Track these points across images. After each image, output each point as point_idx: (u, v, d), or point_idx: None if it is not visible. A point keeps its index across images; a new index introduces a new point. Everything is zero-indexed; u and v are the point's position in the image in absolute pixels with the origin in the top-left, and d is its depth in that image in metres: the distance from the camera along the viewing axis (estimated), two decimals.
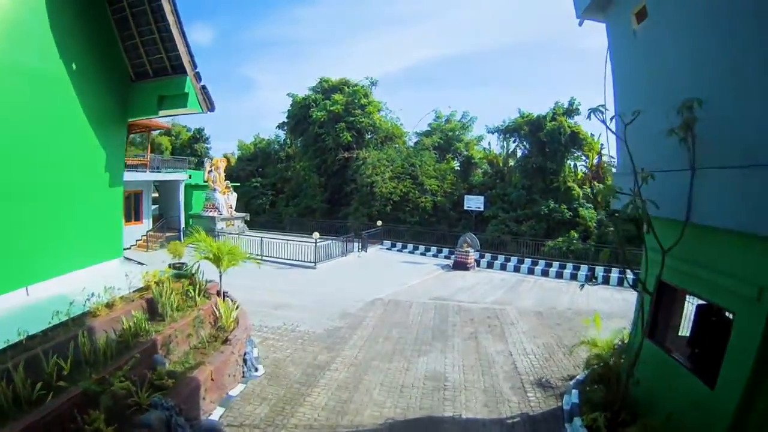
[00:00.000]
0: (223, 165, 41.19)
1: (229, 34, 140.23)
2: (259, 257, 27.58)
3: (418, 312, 19.47)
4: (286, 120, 59.55)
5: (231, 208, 39.90)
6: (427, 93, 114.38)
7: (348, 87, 54.11)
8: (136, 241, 33.58)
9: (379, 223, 38.38)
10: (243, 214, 41.19)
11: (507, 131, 45.00)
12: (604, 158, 43.26)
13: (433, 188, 45.33)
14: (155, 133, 78.21)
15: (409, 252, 36.62)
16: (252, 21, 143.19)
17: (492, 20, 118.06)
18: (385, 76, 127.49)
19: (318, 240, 29.41)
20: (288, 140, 63.00)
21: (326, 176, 51.76)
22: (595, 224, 37.51)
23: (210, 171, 39.97)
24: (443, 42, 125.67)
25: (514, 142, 45.83)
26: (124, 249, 30.96)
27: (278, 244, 30.66)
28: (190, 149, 73.34)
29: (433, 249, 35.83)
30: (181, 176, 37.94)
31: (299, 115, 55.65)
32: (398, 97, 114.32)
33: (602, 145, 42.18)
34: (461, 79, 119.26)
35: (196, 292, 13.69)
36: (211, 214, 38.02)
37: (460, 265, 28.50)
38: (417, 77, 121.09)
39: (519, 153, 45.18)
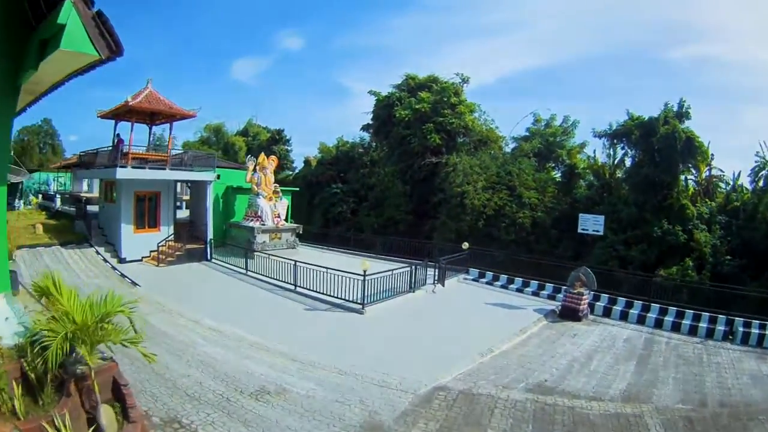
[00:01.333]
0: (272, 165, 34.75)
1: (319, 42, 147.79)
2: (291, 287, 23.02)
3: (503, 427, 10.75)
4: (370, 121, 56.33)
5: (278, 217, 33.68)
6: (520, 104, 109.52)
7: (437, 84, 50.15)
8: (150, 252, 29.66)
9: (466, 245, 28.62)
10: (294, 226, 34.78)
11: (615, 136, 39.80)
12: (714, 171, 38.56)
13: (533, 201, 40.48)
14: (230, 132, 78.81)
15: (501, 286, 26.47)
16: (342, 29, 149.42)
17: (579, 30, 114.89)
18: (477, 87, 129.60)
19: (367, 273, 19.94)
20: (372, 143, 60.00)
21: (411, 184, 48.08)
22: (710, 250, 32.06)
23: (254, 171, 33.86)
24: (534, 52, 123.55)
25: (622, 149, 40.70)
26: (135, 261, 28.75)
27: (318, 274, 21.72)
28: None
29: (533, 284, 25.87)
30: (206, 176, 31.86)
31: (383, 116, 52.51)
32: (490, 108, 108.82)
33: (712, 155, 37.14)
34: (551, 90, 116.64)
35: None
36: (251, 224, 32.28)
37: (570, 313, 20.71)
38: (509, 88, 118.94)
39: (627, 162, 40.64)
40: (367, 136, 60.28)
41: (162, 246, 29.79)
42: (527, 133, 48.92)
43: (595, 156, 43.83)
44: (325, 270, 21.43)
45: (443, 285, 25.40)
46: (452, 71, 57.26)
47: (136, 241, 29.09)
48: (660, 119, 35.40)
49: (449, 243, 37.58)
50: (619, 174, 40.66)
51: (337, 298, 20.78)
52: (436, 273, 25.44)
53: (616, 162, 41.13)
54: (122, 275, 24.78)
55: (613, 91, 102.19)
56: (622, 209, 35.83)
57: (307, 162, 67.47)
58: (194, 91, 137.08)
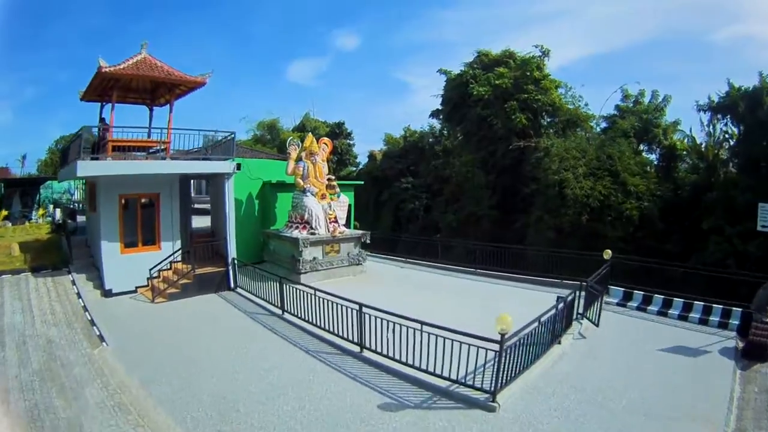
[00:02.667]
0: (324, 151, 26.05)
1: (375, 39, 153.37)
2: (355, 347, 13.98)
3: None
4: (440, 106, 51.43)
5: (335, 222, 24.80)
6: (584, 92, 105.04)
7: (513, 60, 44.83)
8: (148, 279, 21.69)
9: (608, 254, 19.63)
10: (359, 233, 25.89)
11: (719, 110, 34.73)
12: None
13: (640, 189, 34.59)
14: (286, 128, 75.52)
15: (658, 312, 18.25)
16: (397, 25, 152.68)
17: (627, 16, 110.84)
18: None
19: (506, 334, 10.42)
20: (444, 130, 55.32)
21: (495, 173, 42.61)
22: None
23: (299, 160, 24.94)
24: (589, 40, 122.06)
25: (724, 125, 35.44)
26: (127, 292, 20.98)
27: (403, 332, 12.28)
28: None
29: (697, 306, 17.78)
30: (221, 167, 22.27)
31: (456, 98, 47.27)
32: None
33: None
34: (612, 77, 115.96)
35: None
36: (295, 233, 23.56)
37: (759, 351, 13.91)
38: (567, 76, 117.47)
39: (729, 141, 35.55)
40: (437, 123, 55.74)
41: (165, 270, 21.95)
42: (616, 112, 43.16)
43: (691, 134, 38.49)
44: (417, 326, 11.71)
45: (597, 323, 16.49)
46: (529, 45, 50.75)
47: (125, 264, 20.99)
48: (765, 87, 31.01)
49: (550, 243, 32.36)
50: (723, 154, 35.62)
51: (440, 377, 11.54)
52: (578, 300, 16.57)
53: (718, 141, 36.09)
54: (92, 321, 16.92)
55: (666, 77, 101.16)
56: (737, 195, 30.04)
57: (371, 156, 63.56)
58: (253, 96, 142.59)
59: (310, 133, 27.32)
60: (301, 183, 24.66)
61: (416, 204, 51.30)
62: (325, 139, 27.25)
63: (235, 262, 22.50)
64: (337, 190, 26.15)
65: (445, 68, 49.54)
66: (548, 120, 43.60)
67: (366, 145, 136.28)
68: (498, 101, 41.41)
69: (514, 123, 39.85)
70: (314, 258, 23.26)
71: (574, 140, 38.85)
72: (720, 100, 34.16)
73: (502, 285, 22.79)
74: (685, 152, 38.39)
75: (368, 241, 25.98)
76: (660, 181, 35.79)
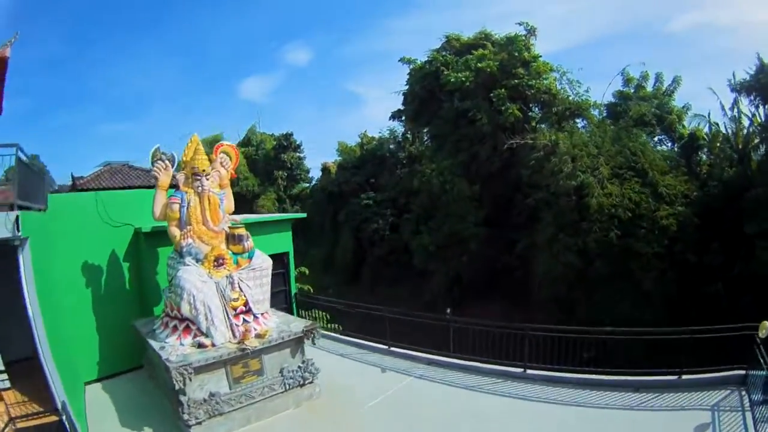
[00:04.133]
0: (225, 167, 14.00)
1: (326, 52, 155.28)
2: None
3: None
4: (402, 106, 43.89)
5: (247, 313, 12.08)
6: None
7: (492, 45, 38.07)
8: None
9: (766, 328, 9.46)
10: (302, 326, 12.34)
11: (748, 90, 29.32)
12: None
13: (672, 192, 28.02)
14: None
15: None
16: (347, 36, 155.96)
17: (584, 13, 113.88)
18: None
19: None
20: (408, 134, 48.61)
21: (480, 181, 35.03)
22: None
23: (175, 189, 13.11)
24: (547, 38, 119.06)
25: (754, 107, 29.94)
26: None
27: None
28: (277, 162, 59.61)
29: None
30: None
31: (423, 92, 40.24)
32: None
33: None
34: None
35: None
36: (167, 348, 11.11)
37: None
38: None
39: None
40: (399, 126, 48.60)
41: None
42: (616, 100, 37.72)
43: (709, 119, 32.70)
44: None
45: None
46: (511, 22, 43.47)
47: None
48: None
49: (572, 272, 24.71)
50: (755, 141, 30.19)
51: None
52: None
53: (749, 128, 30.55)
54: None
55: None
56: None
57: (325, 169, 56.80)
58: (207, 116, 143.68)
59: (194, 135, 13.66)
60: (177, 236, 12.43)
61: (380, 223, 43.63)
62: (226, 145, 14.65)
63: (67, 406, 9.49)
64: (248, 244, 12.64)
65: (408, 56, 41.63)
66: (539, 111, 36.68)
67: (321, 159, 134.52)
68: (480, 89, 34.10)
69: (503, 116, 32.11)
70: (213, 394, 10.83)
71: (584, 134, 31.92)
72: (750, 79, 28.66)
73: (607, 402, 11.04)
74: (715, 142, 31.98)
75: (317, 339, 12.63)
76: (690, 179, 29.49)
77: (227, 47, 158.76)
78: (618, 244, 26.36)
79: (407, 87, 41.99)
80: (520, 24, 36.62)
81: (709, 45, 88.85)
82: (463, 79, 34.02)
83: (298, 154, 61.82)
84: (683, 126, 34.49)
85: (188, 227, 12.34)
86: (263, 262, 12.63)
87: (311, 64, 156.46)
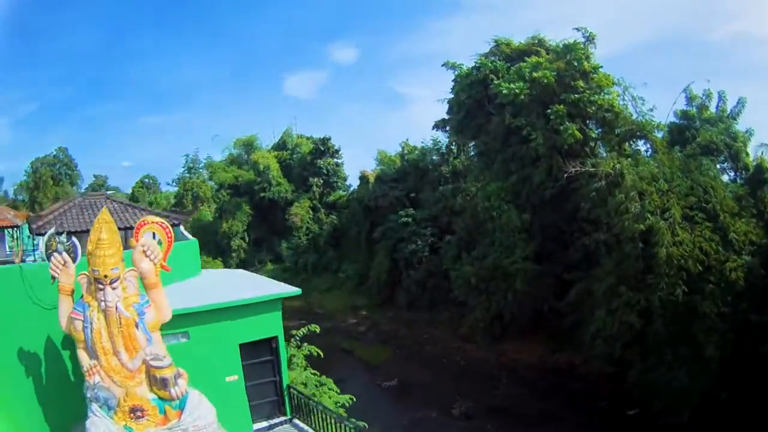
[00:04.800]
0: (153, 259, 8.90)
1: (373, 51, 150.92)
2: None
3: None
4: (447, 114, 40.47)
5: None
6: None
7: (546, 51, 34.75)
8: None
9: None
10: None
11: None
12: None
13: (741, 240, 24.51)
14: (265, 145, 66.22)
15: None
16: (394, 35, 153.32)
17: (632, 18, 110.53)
18: None
19: None
20: (453, 145, 45.22)
21: (531, 209, 31.33)
22: None
23: (77, 305, 9.04)
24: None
25: None
26: None
27: None
28: (313, 168, 56.91)
29: None
30: None
31: (470, 102, 36.46)
32: None
33: None
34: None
35: None
36: None
37: None
38: None
39: None
40: (443, 136, 45.22)
41: None
42: (680, 121, 33.88)
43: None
44: None
45: None
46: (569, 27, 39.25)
47: None
48: None
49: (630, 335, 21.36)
50: None
51: None
52: None
53: None
54: None
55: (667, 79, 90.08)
56: None
57: (363, 177, 54.55)
58: (248, 112, 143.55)
59: (104, 207, 11.08)
60: (84, 366, 8.85)
61: (418, 244, 40.96)
62: (152, 223, 9.71)
63: None
64: (177, 390, 8.58)
65: (452, 61, 38.11)
66: (599, 131, 32.68)
67: (363, 162, 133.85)
68: (536, 104, 30.39)
69: (561, 137, 28.11)
70: None
71: (651, 163, 28.02)
72: None
73: None
74: None
75: None
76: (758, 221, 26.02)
77: (273, 43, 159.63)
78: (683, 302, 22.84)
79: (452, 94, 38.38)
80: (577, 29, 32.61)
81: (751, 55, 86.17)
82: (517, 91, 30.24)
83: (335, 160, 59.97)
84: (746, 154, 30.97)
85: (93, 362, 8.51)
86: (200, 418, 8.49)
87: (357, 62, 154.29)
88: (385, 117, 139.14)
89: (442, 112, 40.77)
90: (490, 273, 31.64)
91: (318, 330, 18.02)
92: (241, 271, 19.97)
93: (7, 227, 28.46)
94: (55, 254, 8.98)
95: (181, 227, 20.20)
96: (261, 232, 59.68)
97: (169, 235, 9.39)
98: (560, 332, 29.22)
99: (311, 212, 56.90)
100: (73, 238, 9.22)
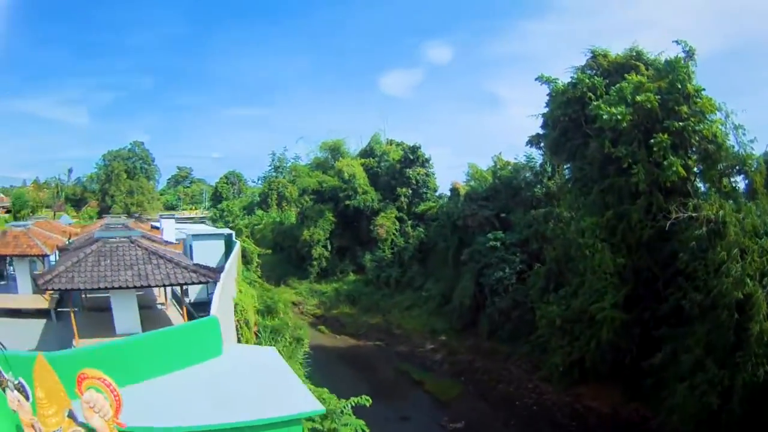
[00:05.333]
0: (104, 413, 7.33)
1: (467, 51, 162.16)
2: None
3: None
4: (541, 129, 37.51)
5: None
6: None
7: (643, 65, 31.49)
8: None
9: None
10: None
11: None
12: None
13: None
14: (353, 150, 66.34)
15: None
16: (489, 36, 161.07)
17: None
18: None
19: None
20: (548, 165, 42.67)
21: (626, 250, 28.27)
22: None
23: None
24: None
25: None
26: None
27: None
28: (401, 177, 55.64)
29: None
30: None
31: (566, 121, 33.59)
32: None
33: None
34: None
35: None
36: None
37: None
38: None
39: None
40: (537, 153, 42.45)
41: None
42: None
43: None
44: None
45: None
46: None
47: None
48: None
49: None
50: None
51: None
52: None
53: None
54: None
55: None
56: None
57: (454, 190, 52.83)
58: (345, 107, 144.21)
59: (38, 354, 8.22)
60: None
61: (506, 272, 38.93)
62: (92, 378, 7.38)
63: None
64: None
65: (546, 75, 35.41)
66: (700, 165, 28.73)
67: (454, 161, 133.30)
68: (637, 131, 27.42)
69: (664, 173, 24.99)
70: None
71: (754, 210, 24.80)
72: None
73: None
74: None
75: None
76: None
77: (367, 39, 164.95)
78: (762, 383, 20.04)
79: (547, 110, 35.60)
80: (677, 43, 28.99)
81: None
82: (619, 117, 27.07)
83: (425, 169, 58.44)
84: None
85: None
86: None
87: (452, 62, 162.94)
88: (477, 118, 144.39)
89: (536, 123, 37.53)
90: (576, 316, 29.11)
91: (369, 403, 16.26)
92: (269, 351, 16.83)
93: (37, 256, 26.33)
94: (8, 391, 7.70)
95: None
96: (344, 241, 59.41)
97: (115, 393, 7.69)
98: (641, 391, 26.75)
99: (397, 223, 55.82)
100: (20, 379, 7.74)
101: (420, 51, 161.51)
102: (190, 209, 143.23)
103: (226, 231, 36.32)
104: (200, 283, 18.80)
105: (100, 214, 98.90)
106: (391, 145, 62.83)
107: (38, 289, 22.95)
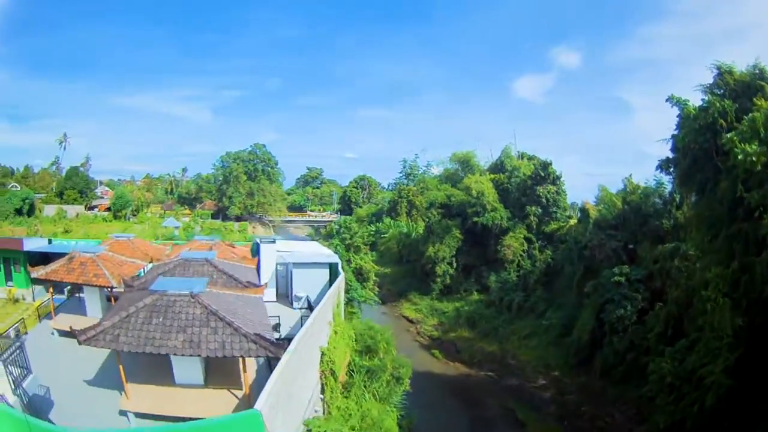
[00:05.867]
0: None
1: (595, 55, 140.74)
2: None
3: None
4: (671, 153, 34.70)
5: None
6: None
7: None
8: None
9: None
10: None
11: None
12: None
13: None
14: (483, 163, 65.19)
15: None
16: (613, 40, 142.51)
17: None
18: None
19: None
20: (676, 194, 39.33)
21: (746, 305, 25.22)
22: None
23: None
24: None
25: None
26: None
27: None
28: (531, 195, 53.80)
29: None
30: None
31: (696, 148, 30.85)
32: None
33: None
34: None
35: None
36: None
37: None
38: None
39: None
40: (668, 180, 39.35)
41: None
42: None
43: None
44: None
45: None
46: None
47: None
48: None
49: None
50: None
51: None
52: None
53: None
54: None
55: None
56: None
57: (584, 211, 50.80)
58: (472, 114, 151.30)
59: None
60: None
61: (627, 310, 36.21)
62: None
63: None
64: None
65: (677, 96, 33.00)
66: None
67: (583, 168, 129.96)
68: None
69: None
70: None
71: None
72: None
73: None
74: None
75: None
76: None
77: (499, 43, 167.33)
78: None
79: (678, 135, 32.82)
80: None
81: None
82: (753, 159, 23.96)
83: (555, 187, 56.20)
84: None
85: None
86: None
87: (582, 66, 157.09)
88: (606, 125, 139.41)
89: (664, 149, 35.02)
90: (686, 374, 26.56)
91: None
92: None
93: (103, 286, 24.44)
94: None
95: None
96: (470, 259, 59.04)
97: None
98: None
99: (525, 244, 54.21)
100: None
101: (549, 56, 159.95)
102: (319, 209, 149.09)
103: (333, 258, 34.71)
104: (258, 356, 16.80)
105: (216, 215, 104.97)
106: (522, 159, 61.23)
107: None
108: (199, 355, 16.01)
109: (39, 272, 25.89)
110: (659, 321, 32.47)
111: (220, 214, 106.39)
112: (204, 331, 16.14)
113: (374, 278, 44.90)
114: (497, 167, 63.49)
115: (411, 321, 56.18)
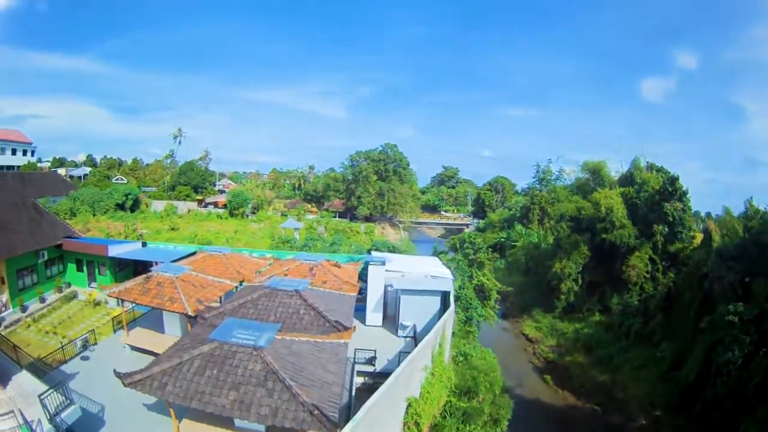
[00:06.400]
0: None
1: (712, 58, 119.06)
2: None
3: None
4: None
5: None
6: None
7: None
8: None
9: None
10: None
11: None
12: None
13: None
14: (614, 172, 62.69)
15: None
16: (727, 42, 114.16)
17: None
18: None
19: None
20: None
21: None
22: None
23: None
24: None
25: None
26: None
27: None
28: (658, 211, 51.37)
29: None
30: None
31: None
32: None
33: None
34: None
35: None
36: None
37: None
38: None
39: None
40: None
41: None
42: None
43: None
44: None
45: None
46: None
47: None
48: None
49: None
50: None
51: None
52: None
53: None
54: None
55: None
56: None
57: (706, 232, 47.58)
58: (609, 112, 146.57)
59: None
60: None
61: (735, 354, 33.82)
62: None
63: None
64: None
65: None
66: None
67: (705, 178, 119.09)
68: None
69: None
70: None
71: None
72: None
73: None
74: None
75: None
76: None
77: (627, 45, 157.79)
78: None
79: None
80: None
81: None
82: None
83: (681, 204, 52.86)
84: None
85: None
86: None
87: (700, 68, 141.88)
88: (724, 130, 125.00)
89: None
90: None
91: None
92: None
93: (178, 312, 23.79)
94: None
95: None
96: (596, 277, 57.37)
97: None
98: None
99: (649, 265, 51.58)
100: None
101: (669, 57, 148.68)
102: (453, 210, 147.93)
103: (446, 285, 32.70)
104: (310, 429, 14.98)
105: (344, 214, 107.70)
106: (651, 171, 57.78)
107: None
108: (247, 419, 15.35)
109: (112, 290, 25.76)
110: (761, 370, 30.37)
111: (348, 213, 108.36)
112: (258, 392, 15.57)
113: (496, 296, 44.91)
114: (626, 179, 60.71)
115: (530, 340, 56.25)
